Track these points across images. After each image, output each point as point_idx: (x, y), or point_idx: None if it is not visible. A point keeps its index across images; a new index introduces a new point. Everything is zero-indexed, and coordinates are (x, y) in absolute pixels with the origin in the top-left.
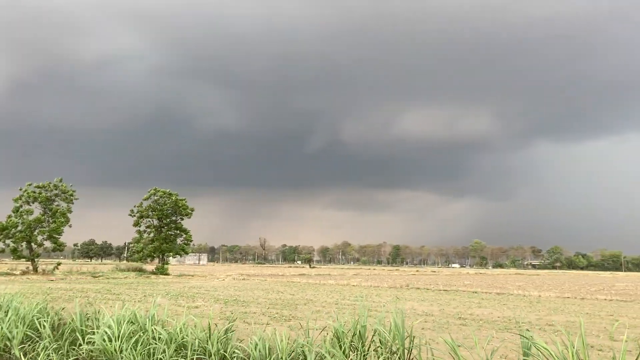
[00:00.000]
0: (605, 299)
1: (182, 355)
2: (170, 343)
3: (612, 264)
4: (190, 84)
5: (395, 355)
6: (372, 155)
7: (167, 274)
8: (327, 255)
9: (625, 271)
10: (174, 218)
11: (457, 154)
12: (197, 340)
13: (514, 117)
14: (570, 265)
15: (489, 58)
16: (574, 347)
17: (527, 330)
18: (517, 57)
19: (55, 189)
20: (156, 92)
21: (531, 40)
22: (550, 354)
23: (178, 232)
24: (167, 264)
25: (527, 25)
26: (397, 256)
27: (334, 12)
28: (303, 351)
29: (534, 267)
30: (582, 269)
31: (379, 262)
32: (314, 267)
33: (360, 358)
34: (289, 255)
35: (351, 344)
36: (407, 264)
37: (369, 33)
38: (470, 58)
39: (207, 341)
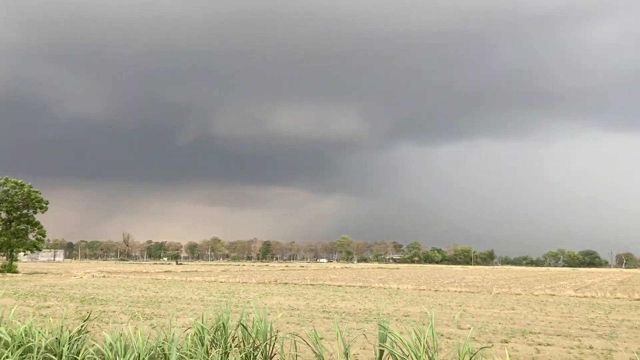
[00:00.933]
0: (455, 291)
1: None
2: (15, 348)
3: (464, 258)
4: (51, 68)
5: (257, 350)
6: (245, 151)
7: (17, 272)
8: (196, 252)
9: (474, 265)
10: (25, 211)
11: (329, 152)
12: (44, 343)
13: (381, 119)
14: (427, 259)
15: (363, 62)
16: (425, 336)
17: (384, 321)
18: (390, 63)
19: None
20: (6, 74)
21: (406, 48)
22: (404, 343)
23: (30, 226)
24: (16, 260)
25: (404, 34)
26: (267, 252)
27: (212, 5)
28: (163, 350)
29: (394, 261)
30: (437, 262)
31: (249, 259)
32: (181, 264)
33: (222, 354)
34: (155, 251)
35: (214, 341)
36: (277, 259)
37: (246, 29)
38: (345, 61)
39: (57, 343)
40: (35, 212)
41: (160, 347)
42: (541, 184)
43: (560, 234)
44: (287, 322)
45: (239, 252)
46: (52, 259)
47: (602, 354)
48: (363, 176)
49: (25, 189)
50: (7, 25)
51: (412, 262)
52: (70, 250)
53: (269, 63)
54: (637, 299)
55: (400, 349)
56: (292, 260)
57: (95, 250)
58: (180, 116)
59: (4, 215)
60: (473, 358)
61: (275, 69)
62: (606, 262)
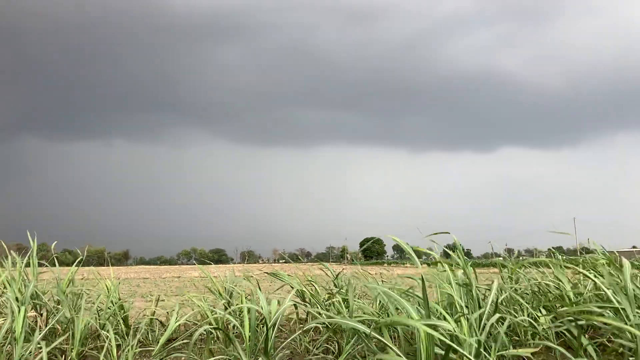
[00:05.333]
0: None
1: None
2: None
3: (98, 259)
4: None
5: None
6: None
7: None
8: None
9: (109, 266)
10: None
11: None
12: None
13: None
14: (59, 262)
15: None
16: None
17: None
18: (23, 50)
19: None
20: None
21: (48, 37)
22: None
23: None
24: None
25: (41, 22)
26: None
27: None
28: None
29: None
30: (70, 264)
31: None
32: None
33: None
34: None
35: None
36: None
37: None
38: None
39: None
40: None
41: None
42: (175, 186)
43: (192, 234)
44: None
45: None
46: None
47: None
48: None
49: None
50: None
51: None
52: None
53: None
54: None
55: None
56: None
57: None
58: None
59: None
60: None
61: None
62: (232, 259)
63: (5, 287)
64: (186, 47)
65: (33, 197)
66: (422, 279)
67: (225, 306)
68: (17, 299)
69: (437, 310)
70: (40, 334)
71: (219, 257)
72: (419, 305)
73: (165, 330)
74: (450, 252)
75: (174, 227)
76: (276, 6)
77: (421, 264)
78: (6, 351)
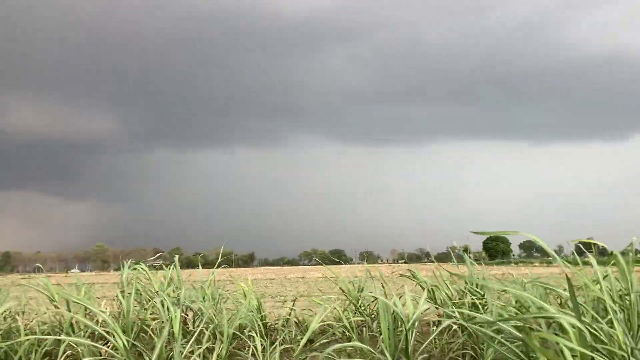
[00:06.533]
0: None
1: None
2: None
3: (226, 261)
4: None
5: None
6: None
7: None
8: None
9: (236, 267)
10: None
11: (75, 154)
12: None
13: (136, 122)
14: (190, 264)
15: (119, 63)
16: None
17: None
18: (147, 66)
19: None
20: None
21: (164, 53)
22: None
23: None
24: None
25: (160, 37)
26: (6, 263)
27: None
28: None
29: (154, 267)
30: (201, 267)
31: None
32: None
33: None
34: None
35: None
36: (18, 272)
37: None
38: (106, 59)
39: None
40: None
41: None
42: (294, 189)
43: (312, 235)
44: None
45: None
46: None
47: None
48: (118, 179)
49: None
50: None
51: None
52: None
53: (9, 51)
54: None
55: None
56: (37, 272)
57: None
58: None
59: None
60: None
61: (16, 60)
62: (351, 260)
63: (156, 291)
64: (298, 51)
65: (165, 204)
66: (568, 279)
67: (355, 306)
68: (173, 302)
69: (587, 311)
70: (193, 336)
71: (338, 258)
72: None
73: (303, 330)
74: (584, 250)
75: (294, 228)
76: (383, 4)
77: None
78: (165, 351)
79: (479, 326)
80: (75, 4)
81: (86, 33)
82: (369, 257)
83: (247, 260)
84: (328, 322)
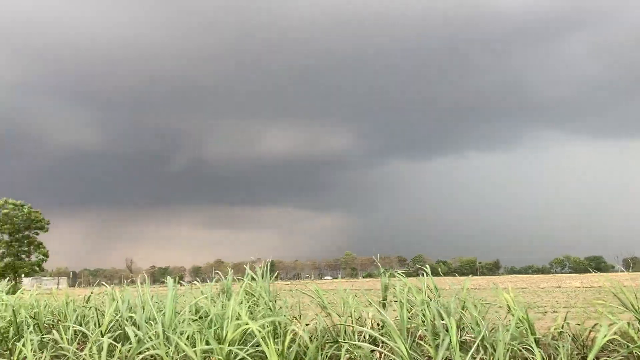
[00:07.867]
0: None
1: None
2: None
3: (469, 269)
4: (42, 100)
5: None
6: (236, 173)
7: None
8: (200, 275)
9: (480, 275)
10: (27, 232)
11: (321, 171)
12: None
13: (372, 136)
14: (433, 272)
15: (351, 81)
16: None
17: None
18: (375, 81)
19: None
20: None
21: (389, 66)
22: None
23: (32, 247)
24: (20, 283)
25: (385, 51)
26: (272, 271)
27: (192, 32)
28: None
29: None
30: (444, 275)
31: (253, 279)
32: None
33: None
34: (159, 276)
35: None
36: (281, 278)
37: (231, 53)
38: (335, 80)
39: None
40: (37, 234)
41: None
42: (537, 191)
43: (564, 241)
44: None
45: (243, 273)
46: (56, 286)
47: None
48: (358, 192)
49: (25, 210)
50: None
51: (417, 275)
52: (75, 278)
53: (255, 87)
54: None
55: None
56: (295, 279)
57: (99, 278)
58: (171, 142)
59: (6, 237)
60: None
61: (263, 92)
62: (612, 267)
63: (426, 300)
64: (530, 49)
65: (404, 213)
66: None
67: None
68: (440, 312)
69: None
70: (472, 347)
71: (596, 265)
72: None
73: (579, 345)
74: None
75: (541, 234)
76: None
77: None
78: None
79: None
80: (316, 36)
81: (315, 59)
82: (634, 264)
83: (492, 268)
84: (613, 338)
